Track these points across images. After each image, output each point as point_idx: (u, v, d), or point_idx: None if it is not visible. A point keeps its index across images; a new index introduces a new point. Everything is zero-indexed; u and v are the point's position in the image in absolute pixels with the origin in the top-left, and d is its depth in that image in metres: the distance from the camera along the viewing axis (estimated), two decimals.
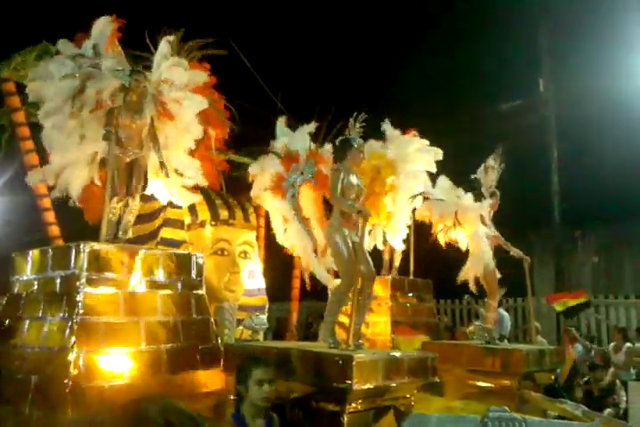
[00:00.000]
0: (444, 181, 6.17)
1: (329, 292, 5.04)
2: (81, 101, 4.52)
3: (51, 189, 4.86)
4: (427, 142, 6.75)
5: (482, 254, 5.69)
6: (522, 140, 11.64)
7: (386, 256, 6.75)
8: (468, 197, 5.91)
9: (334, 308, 4.22)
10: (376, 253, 6.50)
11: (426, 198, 6.14)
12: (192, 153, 4.95)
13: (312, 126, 5.07)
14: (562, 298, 8.78)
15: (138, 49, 5.00)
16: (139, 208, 4.72)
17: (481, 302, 6.36)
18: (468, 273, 5.73)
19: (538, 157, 12.46)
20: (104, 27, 4.71)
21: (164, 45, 4.78)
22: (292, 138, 5.10)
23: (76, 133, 4.56)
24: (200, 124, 4.82)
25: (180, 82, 4.72)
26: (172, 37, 4.80)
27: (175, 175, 4.80)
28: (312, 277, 4.91)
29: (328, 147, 4.96)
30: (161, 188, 4.89)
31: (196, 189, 4.97)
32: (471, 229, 5.80)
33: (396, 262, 6.84)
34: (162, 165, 4.56)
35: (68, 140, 4.54)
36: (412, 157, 6.55)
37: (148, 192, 4.93)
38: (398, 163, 6.47)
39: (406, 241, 6.93)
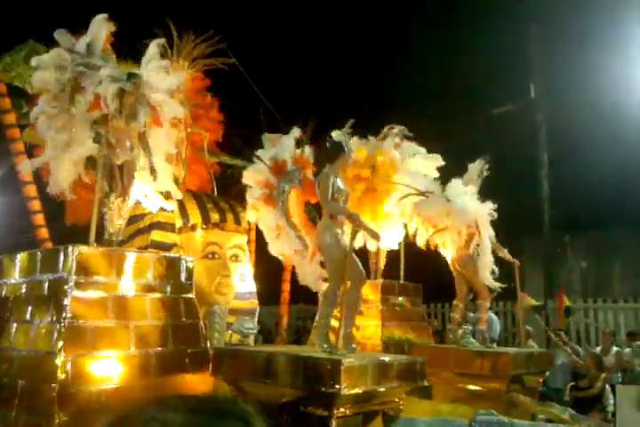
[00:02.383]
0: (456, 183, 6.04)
1: (319, 297, 5.03)
2: (73, 98, 4.51)
3: (41, 187, 4.85)
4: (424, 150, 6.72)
5: (489, 257, 5.83)
6: (512, 145, 11.70)
7: (374, 259, 6.74)
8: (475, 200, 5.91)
9: (326, 310, 4.21)
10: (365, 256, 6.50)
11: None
12: (181, 157, 4.96)
13: (297, 132, 5.07)
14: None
15: (131, 51, 4.99)
16: (129, 211, 4.72)
17: (470, 306, 6.37)
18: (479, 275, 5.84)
19: (528, 163, 12.52)
20: (100, 25, 4.68)
21: (152, 48, 4.75)
22: (279, 147, 5.10)
23: (65, 131, 4.54)
24: (188, 127, 4.84)
25: (159, 86, 4.71)
26: (161, 40, 4.78)
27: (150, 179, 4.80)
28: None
29: (309, 151, 4.97)
30: (142, 190, 4.88)
31: (169, 196, 4.95)
32: (483, 232, 5.84)
33: (381, 265, 6.83)
34: (152, 170, 4.58)
35: (58, 135, 4.52)
36: (415, 161, 6.51)
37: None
38: (401, 164, 6.42)
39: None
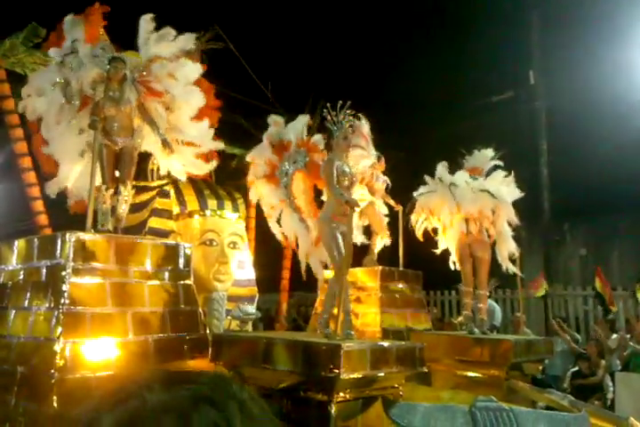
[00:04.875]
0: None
1: (319, 283, 4.99)
2: (71, 102, 4.53)
3: (45, 180, 4.89)
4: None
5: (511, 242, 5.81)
6: (512, 132, 11.65)
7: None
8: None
9: (330, 299, 4.15)
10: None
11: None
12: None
13: (306, 119, 5.02)
14: (539, 283, 9.02)
15: (126, 36, 4.96)
16: (132, 198, 4.73)
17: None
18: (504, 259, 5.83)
19: (528, 150, 12.47)
20: (73, 24, 4.71)
21: (145, 23, 4.76)
22: (285, 129, 5.06)
23: (76, 141, 4.59)
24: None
25: (169, 54, 4.71)
26: (149, 15, 4.77)
27: (184, 147, 4.80)
28: (306, 267, 4.87)
29: (318, 137, 4.93)
30: (175, 164, 4.88)
31: (210, 157, 4.95)
32: (504, 218, 5.81)
33: (375, 248, 6.83)
34: (164, 143, 4.58)
35: (72, 148, 4.58)
36: None
37: (163, 172, 5.01)
38: None
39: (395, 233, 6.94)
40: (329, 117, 4.25)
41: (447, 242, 6.03)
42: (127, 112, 4.51)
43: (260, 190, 4.88)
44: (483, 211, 5.74)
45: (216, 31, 6.28)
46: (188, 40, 4.84)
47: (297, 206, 4.66)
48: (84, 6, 4.90)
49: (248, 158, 5.02)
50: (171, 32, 4.77)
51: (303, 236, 4.59)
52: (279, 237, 4.81)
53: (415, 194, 6.11)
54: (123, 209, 4.59)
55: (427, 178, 6.07)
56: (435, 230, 6.12)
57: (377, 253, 6.91)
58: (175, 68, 4.69)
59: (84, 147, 4.64)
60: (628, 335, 7.81)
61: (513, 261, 6.09)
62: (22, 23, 6.55)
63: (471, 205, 5.71)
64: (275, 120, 5.11)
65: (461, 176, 5.88)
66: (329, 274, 5.62)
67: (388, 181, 6.81)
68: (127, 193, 4.57)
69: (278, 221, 4.80)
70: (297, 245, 4.76)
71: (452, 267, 6.06)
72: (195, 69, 4.76)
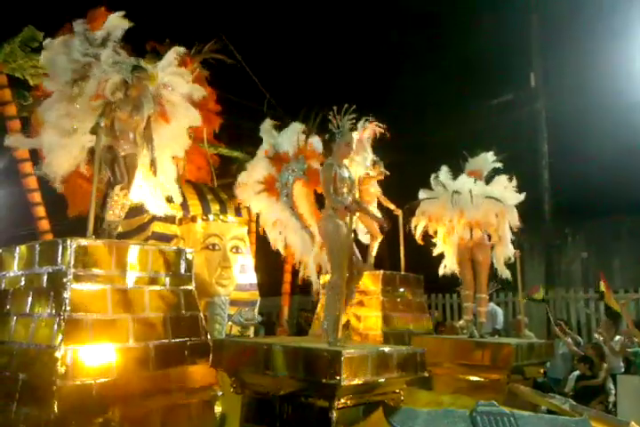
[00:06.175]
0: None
1: (314, 285, 4.95)
2: (80, 88, 4.52)
3: (43, 179, 4.87)
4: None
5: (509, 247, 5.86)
6: (512, 135, 11.66)
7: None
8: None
9: (332, 303, 4.12)
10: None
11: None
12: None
13: (299, 126, 5.01)
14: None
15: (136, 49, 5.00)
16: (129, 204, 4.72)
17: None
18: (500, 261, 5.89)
19: (528, 153, 12.47)
20: (116, 22, 4.70)
21: (171, 54, 4.86)
22: (279, 138, 5.04)
23: (69, 118, 4.55)
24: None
25: (178, 90, 4.79)
26: (180, 49, 4.89)
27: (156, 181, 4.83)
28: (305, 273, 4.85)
29: (316, 139, 4.92)
30: (140, 190, 4.89)
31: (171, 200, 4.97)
32: (505, 222, 5.86)
33: (373, 252, 6.84)
34: (152, 163, 4.62)
35: (60, 121, 4.52)
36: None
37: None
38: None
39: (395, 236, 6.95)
40: (333, 120, 4.24)
41: (445, 246, 6.04)
42: (137, 121, 4.56)
43: (260, 205, 4.87)
44: (487, 217, 5.78)
45: (220, 40, 6.29)
46: (198, 90, 4.96)
47: (299, 215, 4.64)
48: (84, 9, 4.91)
49: (241, 179, 4.99)
50: (187, 75, 4.92)
51: (306, 243, 4.58)
52: (279, 247, 4.78)
53: (419, 198, 6.10)
54: (119, 216, 4.60)
55: (432, 181, 6.06)
56: (435, 233, 6.12)
57: (375, 256, 6.93)
58: (181, 102, 4.79)
59: (83, 143, 4.59)
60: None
61: (513, 264, 6.10)
62: (19, 27, 6.56)
63: (475, 212, 5.73)
64: (266, 128, 5.07)
65: (464, 182, 5.89)
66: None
67: (379, 189, 6.84)
68: (126, 199, 4.58)
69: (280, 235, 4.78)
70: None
71: (442, 271, 6.05)
72: (195, 119, 4.88)
